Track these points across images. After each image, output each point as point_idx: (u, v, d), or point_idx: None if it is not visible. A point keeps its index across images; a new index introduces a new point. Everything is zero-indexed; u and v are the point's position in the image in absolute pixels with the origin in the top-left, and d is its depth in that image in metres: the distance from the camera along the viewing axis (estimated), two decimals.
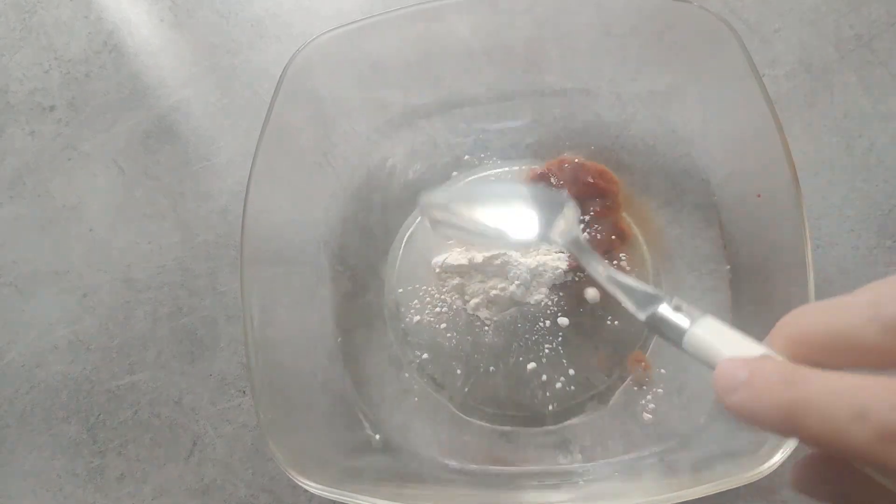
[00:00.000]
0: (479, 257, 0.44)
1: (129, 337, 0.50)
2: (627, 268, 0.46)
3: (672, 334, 0.24)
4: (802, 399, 0.17)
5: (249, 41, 0.55)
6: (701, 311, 0.24)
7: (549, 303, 0.45)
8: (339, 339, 0.47)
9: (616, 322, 0.45)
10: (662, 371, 0.44)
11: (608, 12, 0.45)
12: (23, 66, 0.57)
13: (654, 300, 0.25)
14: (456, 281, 0.45)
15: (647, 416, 0.43)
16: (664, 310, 0.25)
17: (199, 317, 0.50)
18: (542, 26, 0.46)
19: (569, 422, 0.44)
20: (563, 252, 0.46)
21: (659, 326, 0.25)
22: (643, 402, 0.44)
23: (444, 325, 0.46)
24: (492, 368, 0.45)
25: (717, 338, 0.22)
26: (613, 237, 0.46)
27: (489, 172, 0.49)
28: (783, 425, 0.18)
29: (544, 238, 0.35)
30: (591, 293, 0.45)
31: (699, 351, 0.23)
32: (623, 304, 0.28)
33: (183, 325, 0.50)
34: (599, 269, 0.31)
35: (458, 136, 0.50)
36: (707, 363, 0.22)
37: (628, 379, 0.44)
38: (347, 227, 0.49)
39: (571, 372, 0.44)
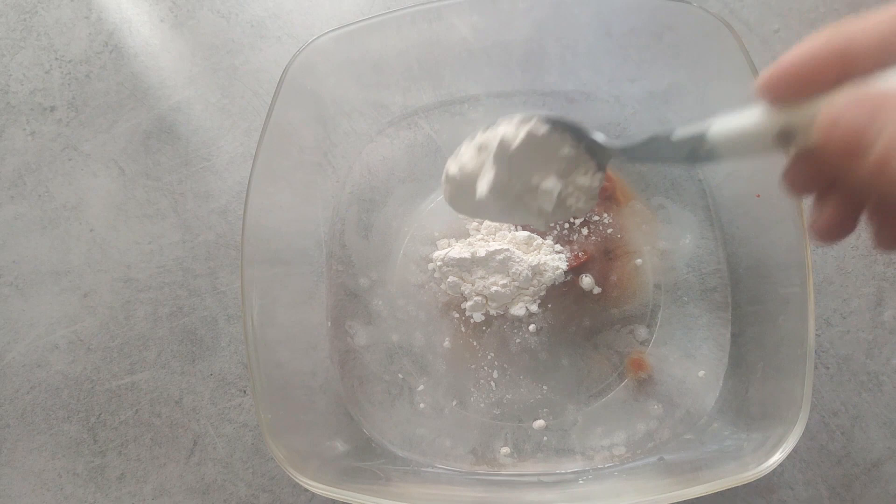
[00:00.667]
0: (481, 251, 0.44)
1: (129, 337, 0.50)
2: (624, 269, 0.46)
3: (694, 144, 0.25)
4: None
5: (250, 42, 0.55)
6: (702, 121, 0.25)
7: (543, 308, 0.45)
8: (339, 339, 0.47)
9: (615, 322, 0.45)
10: (662, 371, 0.44)
11: (607, 13, 0.45)
12: (23, 67, 0.57)
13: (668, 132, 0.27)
14: (454, 278, 0.45)
15: (646, 416, 0.43)
16: (678, 133, 0.26)
17: (199, 317, 0.50)
18: (541, 27, 0.46)
19: (569, 422, 0.44)
20: (563, 252, 0.46)
21: (696, 152, 0.26)
22: (643, 402, 0.44)
23: (438, 330, 0.46)
24: (490, 371, 0.45)
25: (739, 119, 0.24)
26: (612, 236, 0.46)
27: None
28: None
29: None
30: (587, 281, 0.45)
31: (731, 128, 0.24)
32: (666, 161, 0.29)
33: (183, 325, 0.50)
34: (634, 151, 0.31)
35: (459, 136, 0.50)
36: (754, 146, 0.24)
37: (627, 379, 0.44)
38: (347, 227, 0.49)
39: (571, 372, 0.44)
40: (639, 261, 0.46)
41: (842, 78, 0.22)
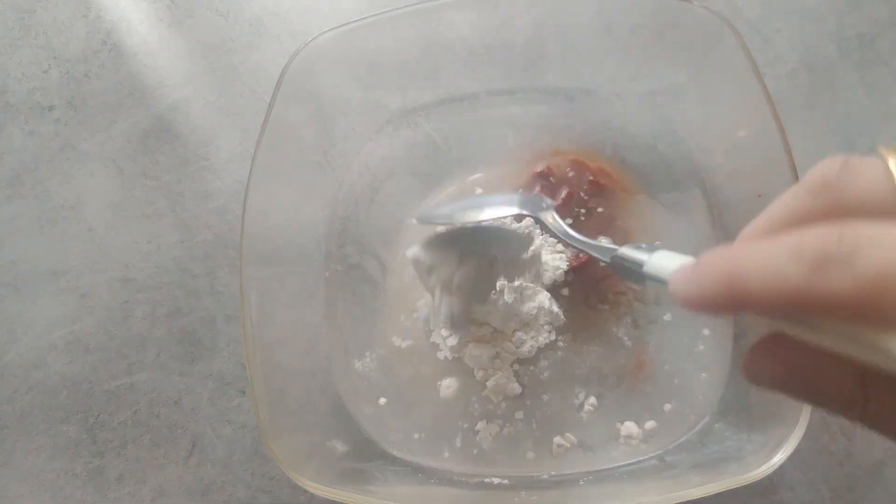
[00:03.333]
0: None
1: (127, 337, 0.50)
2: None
3: (633, 268, 0.27)
4: (741, 260, 0.18)
5: (249, 40, 0.55)
6: (652, 248, 0.27)
7: (549, 304, 0.45)
8: (338, 339, 0.47)
9: (616, 323, 0.45)
10: (666, 367, 0.44)
11: (609, 11, 0.45)
12: (21, 66, 0.57)
13: (613, 250, 0.30)
14: (476, 353, 0.44)
15: (647, 416, 0.43)
16: (623, 251, 0.29)
17: (198, 317, 0.50)
18: (542, 25, 0.46)
19: (571, 423, 0.43)
20: (563, 252, 0.46)
21: (621, 265, 0.29)
22: (644, 402, 0.43)
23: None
24: (483, 374, 0.45)
25: (671, 260, 0.25)
26: (613, 235, 0.46)
27: (489, 172, 0.49)
28: (729, 294, 0.18)
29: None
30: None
31: (658, 271, 0.25)
32: (594, 257, 0.33)
33: (182, 326, 0.50)
34: (566, 233, 0.37)
35: (458, 135, 0.50)
36: (663, 281, 0.25)
37: (629, 378, 0.44)
38: (347, 227, 0.49)
39: (575, 372, 0.44)
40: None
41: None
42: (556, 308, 0.44)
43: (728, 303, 0.18)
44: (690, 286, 0.20)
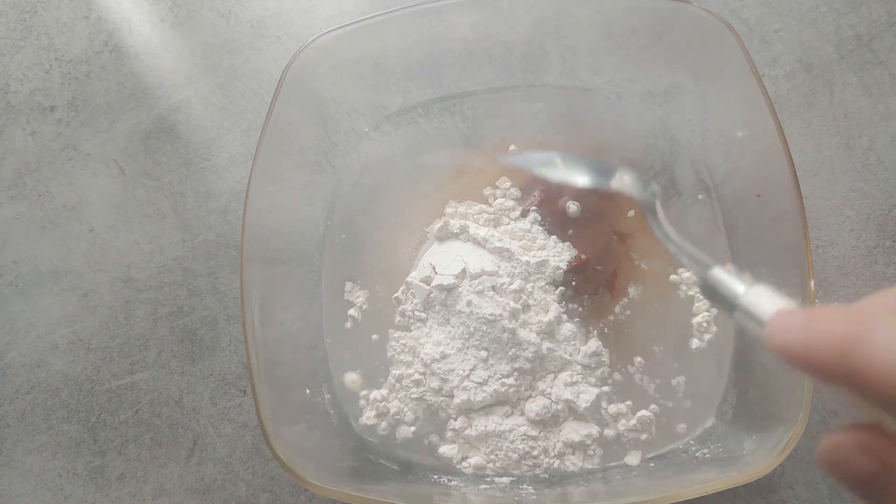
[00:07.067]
0: (474, 266, 0.44)
1: (129, 336, 0.50)
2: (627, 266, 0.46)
3: (726, 295, 0.25)
4: (866, 331, 0.16)
5: (250, 41, 0.55)
6: (753, 280, 0.24)
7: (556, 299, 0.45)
8: (339, 339, 0.47)
9: (613, 322, 0.45)
10: (663, 372, 0.44)
11: (608, 12, 0.45)
12: (23, 67, 0.57)
13: (709, 265, 0.27)
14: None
15: (648, 416, 0.43)
16: (718, 273, 0.26)
17: (199, 316, 0.50)
18: (542, 26, 0.46)
19: (571, 424, 0.43)
20: (563, 253, 0.46)
21: (711, 288, 0.26)
22: (644, 402, 0.44)
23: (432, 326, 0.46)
24: (486, 372, 0.45)
25: (772, 300, 0.23)
26: (613, 236, 0.46)
27: (489, 172, 0.49)
28: (840, 364, 0.16)
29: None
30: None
31: (755, 309, 0.23)
32: (685, 266, 0.32)
33: (183, 325, 0.50)
34: (667, 232, 0.34)
35: (458, 134, 0.50)
36: (759, 320, 0.22)
37: (628, 372, 0.44)
38: (347, 227, 0.49)
39: (572, 374, 0.44)
40: (637, 258, 0.46)
41: None
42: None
43: (836, 373, 0.16)
44: (795, 338, 0.18)
